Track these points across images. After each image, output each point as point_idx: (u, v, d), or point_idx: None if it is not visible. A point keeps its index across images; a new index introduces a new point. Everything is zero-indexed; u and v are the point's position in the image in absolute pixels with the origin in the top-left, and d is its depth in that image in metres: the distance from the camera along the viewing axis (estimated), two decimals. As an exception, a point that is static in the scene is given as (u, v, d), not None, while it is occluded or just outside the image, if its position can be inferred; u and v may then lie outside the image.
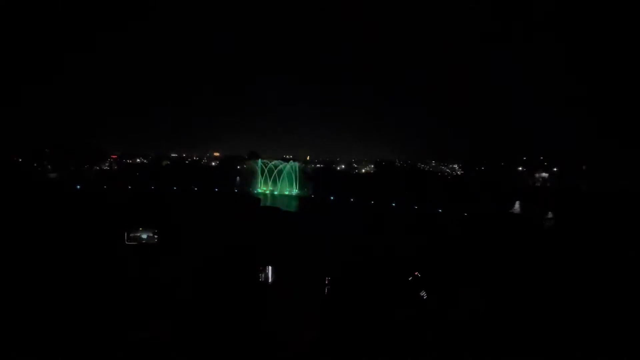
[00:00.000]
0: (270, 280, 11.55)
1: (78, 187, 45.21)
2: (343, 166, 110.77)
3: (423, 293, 9.17)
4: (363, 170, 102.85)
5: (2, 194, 31.03)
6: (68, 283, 10.83)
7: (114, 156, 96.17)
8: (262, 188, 51.42)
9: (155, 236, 14.99)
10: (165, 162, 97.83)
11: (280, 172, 52.52)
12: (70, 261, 12.67)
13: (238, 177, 58.61)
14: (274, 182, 52.38)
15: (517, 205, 42.70)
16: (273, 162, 54.44)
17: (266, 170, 53.11)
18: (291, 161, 56.47)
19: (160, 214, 24.33)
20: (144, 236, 14.96)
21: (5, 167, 58.82)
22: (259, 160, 56.11)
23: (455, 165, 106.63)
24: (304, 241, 16.88)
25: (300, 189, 51.01)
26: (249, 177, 54.67)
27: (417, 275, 11.26)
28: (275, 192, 50.43)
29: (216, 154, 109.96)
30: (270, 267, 11.64)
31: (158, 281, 11.17)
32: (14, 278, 11.15)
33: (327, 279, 10.97)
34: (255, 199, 34.37)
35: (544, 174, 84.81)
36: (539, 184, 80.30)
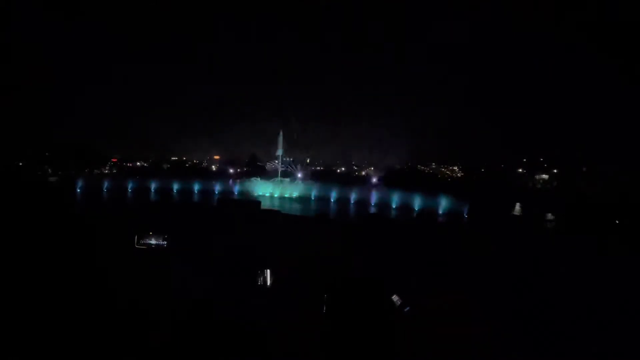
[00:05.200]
0: (268, 283, 11.56)
1: (79, 190, 45.40)
2: (343, 168, 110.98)
3: (396, 299, 9.13)
4: (363, 173, 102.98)
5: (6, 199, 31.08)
6: (70, 285, 10.84)
7: (114, 160, 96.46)
8: (262, 190, 51.45)
9: (164, 242, 15.12)
10: (165, 166, 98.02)
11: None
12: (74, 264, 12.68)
13: (238, 180, 58.67)
14: (275, 185, 52.49)
15: (517, 207, 42.73)
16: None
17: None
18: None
19: (162, 217, 24.40)
20: (153, 242, 15.09)
21: (7, 172, 59.01)
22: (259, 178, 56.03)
23: (455, 168, 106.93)
24: (304, 245, 16.88)
25: (300, 192, 51.01)
26: (249, 180, 54.75)
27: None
28: (276, 195, 50.45)
29: (216, 157, 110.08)
30: (268, 270, 11.65)
31: (157, 283, 11.19)
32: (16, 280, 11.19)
33: (326, 283, 10.94)
34: (256, 202, 34.37)
35: (544, 176, 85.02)
36: (539, 186, 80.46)
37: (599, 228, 28.91)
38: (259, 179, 55.68)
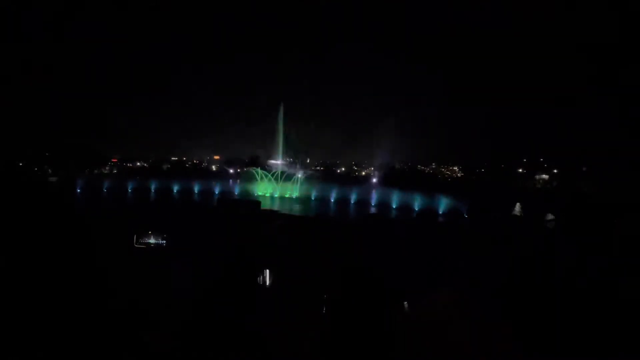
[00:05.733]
0: (268, 283, 11.56)
1: (79, 190, 45.31)
2: (343, 169, 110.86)
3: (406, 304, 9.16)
4: (363, 173, 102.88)
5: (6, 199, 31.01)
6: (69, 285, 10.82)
7: (114, 160, 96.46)
8: (262, 191, 51.38)
9: (164, 241, 15.15)
10: (165, 166, 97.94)
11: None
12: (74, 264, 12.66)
13: (238, 180, 58.59)
14: (274, 185, 52.38)
15: (517, 207, 42.70)
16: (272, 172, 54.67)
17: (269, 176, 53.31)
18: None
19: (161, 216, 24.41)
20: (152, 241, 15.11)
21: (7, 172, 58.86)
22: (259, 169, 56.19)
23: (455, 168, 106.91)
24: (304, 245, 16.87)
25: (300, 191, 50.92)
26: (249, 180, 54.64)
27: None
28: (276, 195, 50.37)
29: (216, 157, 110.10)
30: (268, 271, 11.66)
31: (157, 282, 11.18)
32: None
33: (326, 283, 10.95)
34: (256, 202, 34.37)
35: (544, 176, 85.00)
36: (539, 186, 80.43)
37: (599, 228, 28.85)
38: (259, 169, 55.80)
